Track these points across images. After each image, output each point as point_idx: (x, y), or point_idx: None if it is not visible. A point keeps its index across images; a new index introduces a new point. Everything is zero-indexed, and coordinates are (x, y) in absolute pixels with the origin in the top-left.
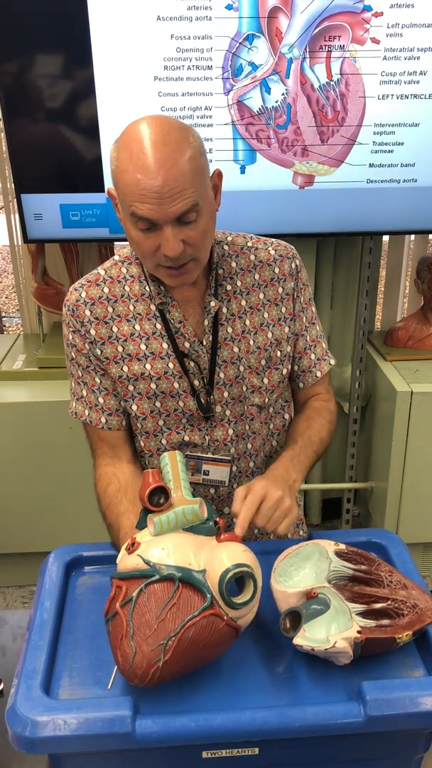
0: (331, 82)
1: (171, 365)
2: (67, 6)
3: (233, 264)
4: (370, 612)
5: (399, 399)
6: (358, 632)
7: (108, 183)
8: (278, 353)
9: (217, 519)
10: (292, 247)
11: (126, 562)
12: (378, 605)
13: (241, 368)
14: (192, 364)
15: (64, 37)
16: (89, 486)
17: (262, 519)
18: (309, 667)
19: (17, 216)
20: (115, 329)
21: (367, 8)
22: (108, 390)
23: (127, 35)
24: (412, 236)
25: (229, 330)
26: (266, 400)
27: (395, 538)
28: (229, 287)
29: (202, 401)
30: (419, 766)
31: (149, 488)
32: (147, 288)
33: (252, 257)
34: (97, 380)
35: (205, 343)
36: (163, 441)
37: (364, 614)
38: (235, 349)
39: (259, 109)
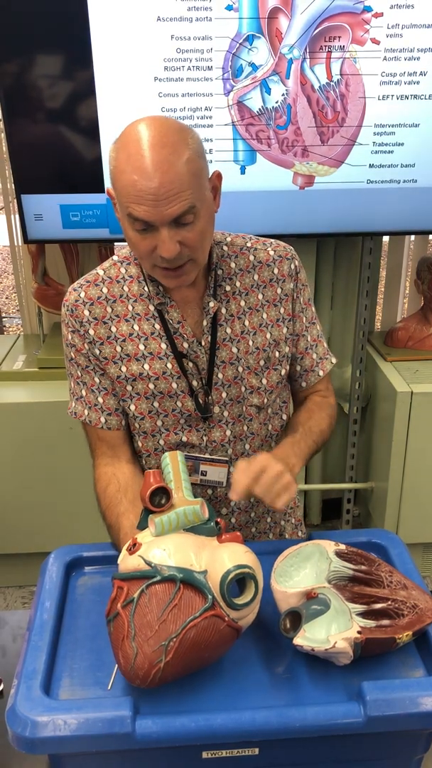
0: (331, 83)
1: (169, 365)
2: (67, 6)
3: (232, 264)
4: (370, 612)
5: (399, 399)
6: (358, 632)
7: (108, 183)
8: (277, 354)
9: (218, 520)
10: (291, 248)
11: (127, 562)
12: (378, 605)
13: (240, 369)
14: (190, 364)
15: (64, 37)
16: (89, 486)
17: (261, 488)
18: (309, 668)
19: (17, 216)
20: (113, 329)
21: (367, 9)
22: (107, 390)
23: (127, 36)
24: (412, 237)
25: (228, 330)
26: (265, 400)
27: (395, 538)
28: (228, 288)
29: (200, 402)
30: (419, 766)
31: (151, 488)
32: (146, 288)
33: (251, 258)
34: (97, 380)
35: (203, 343)
36: (161, 441)
37: (364, 614)
38: (234, 350)
39: (259, 109)
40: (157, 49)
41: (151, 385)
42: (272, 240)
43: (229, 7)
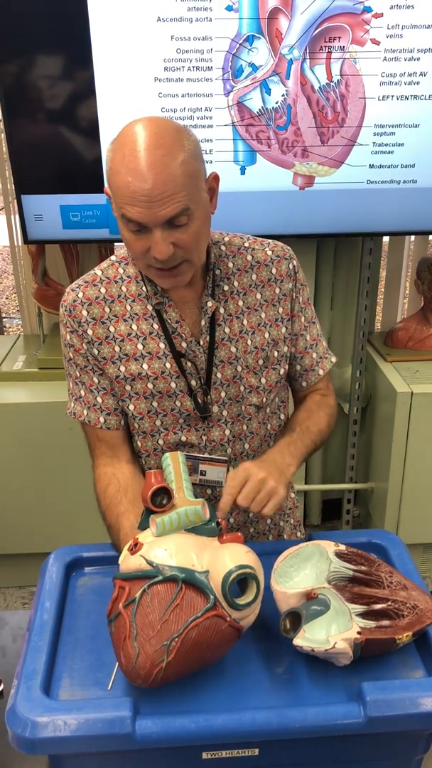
0: (331, 83)
1: (168, 365)
2: (67, 6)
3: (230, 264)
4: (370, 613)
5: (399, 400)
6: (358, 633)
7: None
8: (275, 353)
9: (219, 520)
10: (289, 248)
11: (129, 562)
12: (378, 606)
13: (239, 368)
14: (189, 364)
15: (64, 37)
16: (89, 487)
17: (245, 500)
18: (309, 668)
19: (17, 217)
20: (112, 329)
21: (367, 9)
22: (106, 389)
23: (127, 36)
24: (412, 237)
25: (227, 330)
26: (264, 399)
27: (395, 538)
28: (226, 287)
29: (199, 401)
30: (419, 766)
31: (152, 489)
32: (144, 288)
33: (249, 258)
34: (95, 380)
35: (202, 343)
36: (160, 441)
37: (364, 615)
38: (233, 349)
39: (259, 110)
40: (157, 50)
41: (150, 385)
42: (270, 240)
43: (229, 8)
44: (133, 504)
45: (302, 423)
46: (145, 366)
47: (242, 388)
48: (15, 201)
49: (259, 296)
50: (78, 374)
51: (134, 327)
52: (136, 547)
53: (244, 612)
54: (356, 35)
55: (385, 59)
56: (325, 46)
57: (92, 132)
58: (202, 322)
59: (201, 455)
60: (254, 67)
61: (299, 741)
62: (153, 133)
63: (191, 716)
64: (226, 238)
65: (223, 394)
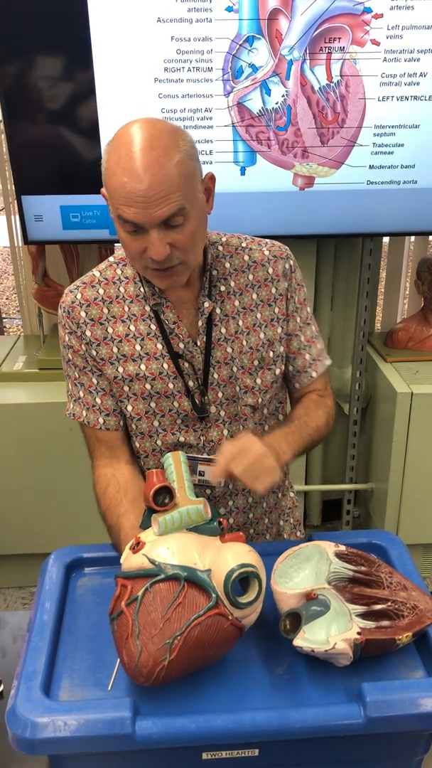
0: (331, 84)
1: (165, 366)
2: (67, 6)
3: (227, 265)
4: (370, 613)
5: (399, 400)
6: (358, 633)
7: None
8: (271, 354)
9: (221, 519)
10: (287, 247)
11: (131, 561)
12: (378, 606)
13: (234, 369)
14: (186, 364)
15: (64, 38)
16: (89, 487)
17: (240, 468)
18: (309, 669)
19: (18, 217)
20: (110, 330)
21: (367, 10)
22: (105, 390)
23: (127, 37)
24: (412, 237)
25: (223, 330)
26: (259, 400)
27: (395, 539)
28: (222, 288)
29: (197, 402)
30: (419, 767)
31: (154, 488)
32: (141, 289)
33: (246, 258)
34: (94, 381)
35: (199, 343)
36: (159, 442)
37: (364, 615)
38: (229, 350)
39: (260, 110)
40: (157, 50)
41: (148, 386)
42: (267, 240)
43: (229, 9)
44: (133, 504)
45: (300, 418)
46: (143, 367)
47: (238, 389)
48: (15, 201)
49: (255, 296)
50: (77, 375)
51: (132, 328)
52: (138, 546)
53: (246, 611)
54: (356, 36)
55: (385, 60)
56: (325, 47)
57: (92, 132)
58: (199, 323)
59: (199, 456)
60: (254, 68)
61: (299, 741)
62: (148, 134)
63: (191, 717)
64: (224, 239)
65: (220, 395)
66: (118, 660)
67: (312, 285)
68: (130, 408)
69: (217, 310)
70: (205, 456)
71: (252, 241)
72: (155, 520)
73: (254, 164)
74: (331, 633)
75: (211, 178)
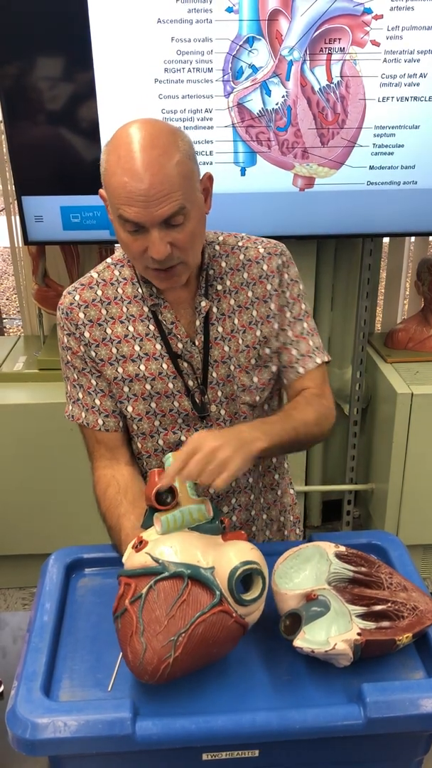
0: (332, 85)
1: (165, 366)
2: (67, 6)
3: (223, 264)
4: (370, 614)
5: (399, 401)
6: (358, 634)
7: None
8: (267, 351)
9: (223, 518)
10: (283, 245)
11: (134, 559)
12: (378, 607)
13: (232, 367)
14: (185, 364)
15: (64, 38)
16: (90, 488)
17: (192, 472)
18: (309, 669)
19: (18, 218)
20: (108, 331)
21: (367, 11)
22: (104, 392)
23: (127, 37)
24: (413, 238)
25: (220, 329)
26: (257, 398)
27: (395, 540)
28: (219, 287)
29: (197, 401)
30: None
31: (156, 487)
32: (139, 290)
33: (241, 256)
34: (93, 382)
35: (197, 343)
36: (160, 442)
37: (364, 616)
38: (226, 348)
39: (260, 111)
40: (157, 51)
41: (148, 386)
42: (264, 238)
43: (230, 9)
44: (133, 505)
45: (286, 410)
46: (142, 367)
47: (236, 387)
48: (15, 202)
49: (250, 294)
50: (76, 377)
51: (131, 329)
52: (140, 545)
53: (249, 608)
54: (356, 37)
55: (385, 61)
56: (326, 48)
57: (92, 133)
58: (197, 322)
59: None
60: (254, 69)
61: (299, 742)
62: (148, 133)
63: (191, 717)
64: (221, 238)
65: (219, 393)
66: (118, 661)
67: (312, 285)
68: (130, 409)
69: (214, 309)
70: None
71: (248, 240)
72: (157, 519)
73: (254, 165)
74: (331, 634)
75: (209, 178)
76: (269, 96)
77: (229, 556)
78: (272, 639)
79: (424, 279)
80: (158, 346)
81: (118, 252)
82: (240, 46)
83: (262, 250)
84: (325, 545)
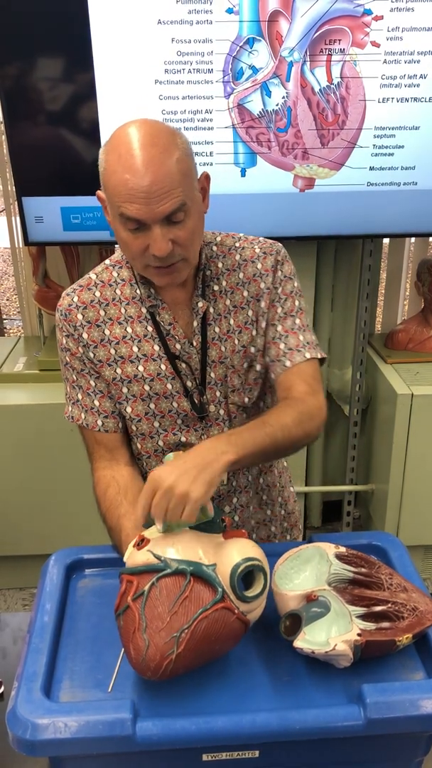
0: (332, 86)
1: (163, 367)
2: (68, 7)
3: (220, 264)
4: (371, 615)
5: (399, 401)
6: (359, 635)
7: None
8: (252, 349)
9: (224, 517)
10: (280, 244)
11: (135, 558)
12: (378, 608)
13: (227, 368)
14: (183, 365)
15: (64, 39)
16: (90, 488)
17: (156, 512)
18: (309, 670)
19: (18, 219)
20: (107, 332)
21: (368, 12)
22: (103, 393)
23: (127, 38)
24: (413, 239)
25: (216, 330)
26: (246, 399)
27: (395, 540)
28: (215, 287)
29: (196, 402)
30: None
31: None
32: (138, 291)
33: (237, 257)
34: (92, 383)
35: (195, 344)
36: (160, 442)
37: (364, 617)
38: (222, 348)
39: (260, 112)
40: (157, 52)
41: (147, 387)
42: (261, 238)
43: (230, 10)
44: (133, 505)
45: (262, 417)
46: (140, 368)
47: (228, 388)
48: (16, 203)
49: (245, 294)
50: (75, 378)
51: (129, 330)
52: (142, 543)
53: (251, 605)
54: (356, 38)
55: (385, 62)
56: (326, 49)
57: (93, 134)
58: (194, 323)
59: None
60: (254, 70)
61: (299, 743)
62: (147, 132)
63: (191, 718)
64: (218, 238)
65: (218, 393)
66: (119, 661)
67: (312, 286)
68: (129, 409)
69: (211, 310)
70: None
71: (245, 240)
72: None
73: (254, 166)
74: (332, 634)
75: (206, 177)
76: (269, 97)
77: (231, 553)
78: (272, 639)
79: (424, 280)
80: (156, 347)
81: (117, 253)
82: (240, 47)
83: (257, 250)
84: (326, 546)
